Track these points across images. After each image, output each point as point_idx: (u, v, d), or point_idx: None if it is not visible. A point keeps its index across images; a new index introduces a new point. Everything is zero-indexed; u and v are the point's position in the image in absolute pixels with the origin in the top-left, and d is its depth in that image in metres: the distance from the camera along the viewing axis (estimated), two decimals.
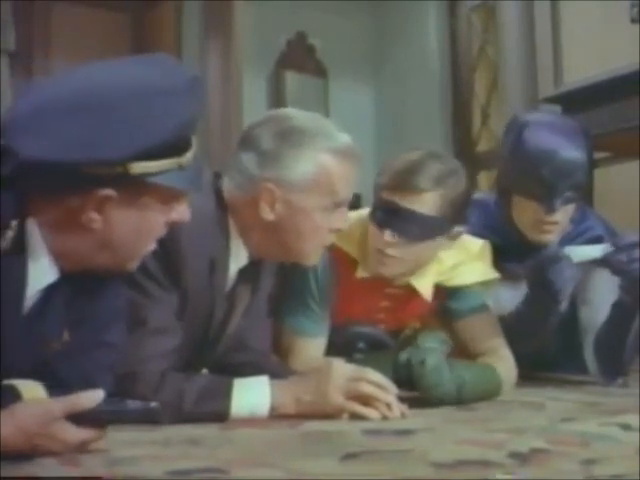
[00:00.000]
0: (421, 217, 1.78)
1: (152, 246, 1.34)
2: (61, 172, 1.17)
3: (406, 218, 1.79)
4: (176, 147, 1.25)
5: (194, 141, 1.30)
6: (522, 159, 2.06)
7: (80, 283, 1.31)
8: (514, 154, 2.10)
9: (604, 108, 3.06)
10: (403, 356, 1.70)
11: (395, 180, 1.80)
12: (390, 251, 1.82)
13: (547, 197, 2.03)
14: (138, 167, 1.21)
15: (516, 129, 2.11)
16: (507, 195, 2.15)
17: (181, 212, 1.33)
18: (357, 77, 5.68)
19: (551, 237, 2.10)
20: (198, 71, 1.89)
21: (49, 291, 1.26)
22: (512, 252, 2.13)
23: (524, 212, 2.10)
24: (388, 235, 1.80)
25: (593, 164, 2.69)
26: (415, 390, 1.71)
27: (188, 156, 1.27)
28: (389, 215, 1.80)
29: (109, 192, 1.21)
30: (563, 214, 2.08)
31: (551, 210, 2.04)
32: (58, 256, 1.25)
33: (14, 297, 1.21)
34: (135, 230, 1.27)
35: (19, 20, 4.93)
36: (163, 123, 1.21)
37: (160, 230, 1.32)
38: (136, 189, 1.24)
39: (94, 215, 1.22)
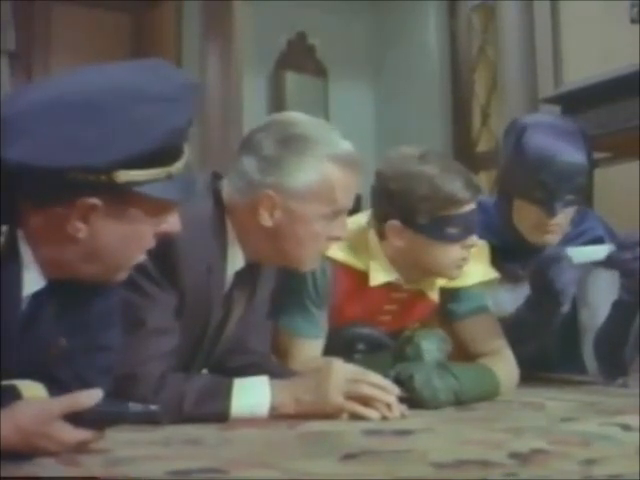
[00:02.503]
0: None
1: (141, 257, 1.30)
2: (45, 178, 1.14)
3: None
4: (165, 155, 1.21)
5: (186, 149, 1.26)
6: (522, 163, 2.05)
7: (71, 289, 1.28)
8: (514, 158, 2.09)
9: (604, 108, 3.06)
10: (391, 373, 1.70)
11: (469, 190, 1.82)
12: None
13: (548, 201, 2.03)
14: (124, 175, 1.17)
15: (515, 133, 2.10)
16: (508, 198, 2.14)
17: (172, 223, 1.29)
18: (357, 77, 5.68)
19: (553, 237, 2.10)
20: (195, 76, 1.88)
21: (38, 298, 1.24)
22: (512, 253, 2.13)
23: (525, 215, 2.10)
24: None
25: (593, 165, 2.69)
26: None
27: (178, 165, 1.23)
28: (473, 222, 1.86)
29: (95, 201, 1.17)
30: (564, 216, 2.08)
31: (552, 214, 2.04)
32: (45, 264, 1.22)
33: (11, 301, 1.20)
34: (122, 241, 1.23)
35: (19, 20, 4.94)
36: (150, 130, 1.17)
37: (149, 242, 1.28)
38: (123, 199, 1.20)
39: (79, 225, 1.18)
